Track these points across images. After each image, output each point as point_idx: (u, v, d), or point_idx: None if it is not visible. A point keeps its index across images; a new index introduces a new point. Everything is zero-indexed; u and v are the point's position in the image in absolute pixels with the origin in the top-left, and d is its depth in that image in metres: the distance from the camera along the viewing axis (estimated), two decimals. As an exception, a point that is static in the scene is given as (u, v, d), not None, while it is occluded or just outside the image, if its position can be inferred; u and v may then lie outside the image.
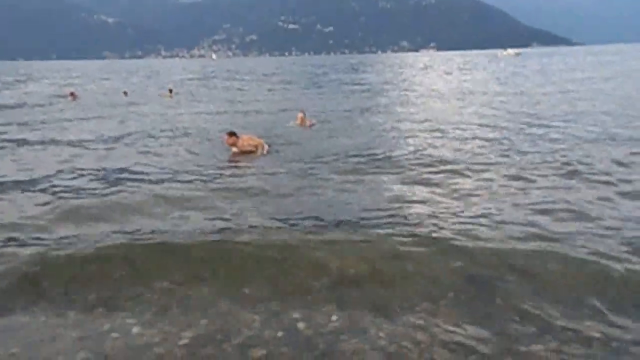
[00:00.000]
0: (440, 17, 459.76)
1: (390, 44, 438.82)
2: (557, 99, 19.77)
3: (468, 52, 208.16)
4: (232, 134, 10.41)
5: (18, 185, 8.00)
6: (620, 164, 8.45)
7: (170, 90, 27.03)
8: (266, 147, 10.45)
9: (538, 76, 36.60)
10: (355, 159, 9.37)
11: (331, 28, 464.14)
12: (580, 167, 8.19)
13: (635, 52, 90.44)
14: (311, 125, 13.84)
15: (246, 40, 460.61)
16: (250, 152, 10.25)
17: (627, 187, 7.09)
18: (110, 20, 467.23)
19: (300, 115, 14.10)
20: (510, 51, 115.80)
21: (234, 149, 10.32)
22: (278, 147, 10.93)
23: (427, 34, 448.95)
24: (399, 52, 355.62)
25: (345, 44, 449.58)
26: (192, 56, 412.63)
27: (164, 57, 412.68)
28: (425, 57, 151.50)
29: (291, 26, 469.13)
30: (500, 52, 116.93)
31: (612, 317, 3.89)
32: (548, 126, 12.75)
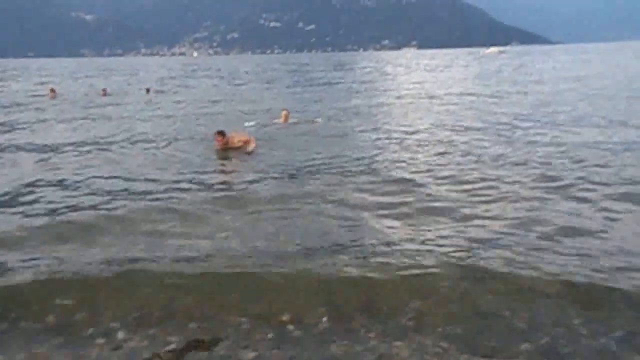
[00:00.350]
0: (421, 16, 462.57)
1: (371, 42, 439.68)
2: (542, 99, 19.78)
3: (450, 50, 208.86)
4: (221, 133, 10.35)
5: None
6: (602, 166, 8.35)
7: (148, 90, 26.56)
8: (253, 144, 10.45)
9: (523, 74, 36.91)
10: (341, 163, 9.24)
11: (313, 26, 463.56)
12: (560, 172, 8.06)
13: (615, 51, 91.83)
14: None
15: (228, 38, 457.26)
16: (239, 148, 10.26)
17: (609, 190, 6.97)
18: (88, 17, 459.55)
19: (284, 113, 14.20)
20: (494, 49, 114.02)
21: (222, 146, 10.29)
22: (263, 143, 10.97)
23: (408, 32, 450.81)
24: (380, 51, 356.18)
25: (327, 42, 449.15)
26: (173, 54, 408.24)
27: (144, 55, 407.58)
28: (407, 54, 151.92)
29: (273, 24, 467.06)
30: (483, 50, 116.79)
31: (597, 315, 3.94)
32: (533, 129, 12.55)
